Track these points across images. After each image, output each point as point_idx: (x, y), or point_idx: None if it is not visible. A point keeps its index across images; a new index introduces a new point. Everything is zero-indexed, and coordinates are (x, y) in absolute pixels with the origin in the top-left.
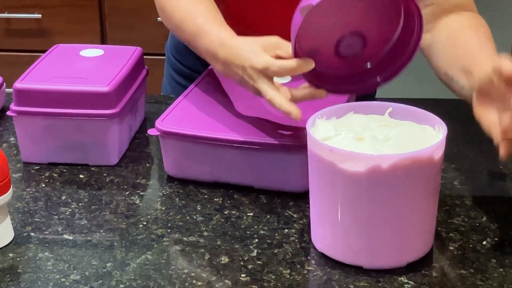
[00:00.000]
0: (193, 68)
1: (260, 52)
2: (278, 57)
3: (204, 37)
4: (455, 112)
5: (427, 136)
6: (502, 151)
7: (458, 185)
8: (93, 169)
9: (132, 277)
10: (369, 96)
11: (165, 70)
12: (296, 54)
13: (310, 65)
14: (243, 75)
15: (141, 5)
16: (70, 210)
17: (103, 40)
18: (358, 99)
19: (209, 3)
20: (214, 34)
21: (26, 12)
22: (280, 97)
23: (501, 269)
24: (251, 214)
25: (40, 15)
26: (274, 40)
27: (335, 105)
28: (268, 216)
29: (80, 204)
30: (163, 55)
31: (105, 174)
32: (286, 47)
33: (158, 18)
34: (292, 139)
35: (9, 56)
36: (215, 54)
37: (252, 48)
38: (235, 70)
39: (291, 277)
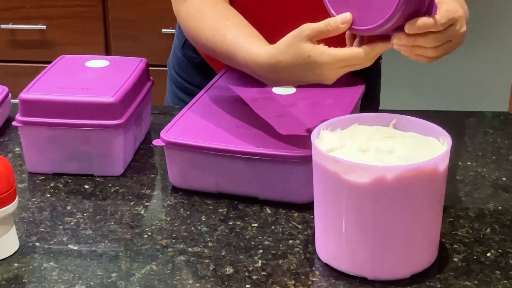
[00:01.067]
0: (196, 84)
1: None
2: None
3: (237, 57)
4: (459, 123)
5: (431, 148)
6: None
7: (462, 197)
8: (98, 179)
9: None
10: (373, 108)
11: (167, 86)
12: None
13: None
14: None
15: (145, 17)
16: (75, 220)
17: (107, 51)
18: (362, 110)
19: (235, 16)
20: (245, 53)
21: (31, 23)
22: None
23: (506, 281)
24: (256, 224)
25: (44, 26)
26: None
27: (340, 117)
28: (273, 227)
29: (85, 214)
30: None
31: (110, 185)
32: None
33: (162, 30)
34: (297, 150)
35: (14, 67)
36: (254, 72)
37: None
38: (295, 78)
39: None
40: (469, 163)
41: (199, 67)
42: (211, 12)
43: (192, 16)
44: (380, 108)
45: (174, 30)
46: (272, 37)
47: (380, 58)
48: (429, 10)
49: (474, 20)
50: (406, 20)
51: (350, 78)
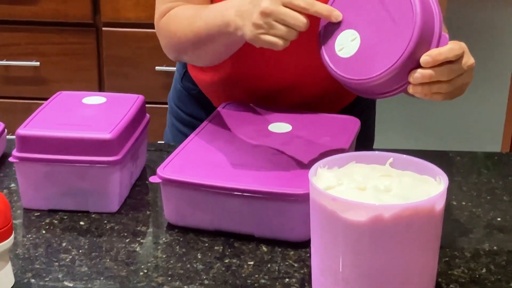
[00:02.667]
0: (194, 115)
1: None
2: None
3: (212, 18)
4: (453, 163)
5: (428, 187)
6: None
7: (457, 237)
8: (93, 216)
9: None
10: (367, 145)
11: (167, 119)
12: None
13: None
14: (256, 14)
15: (139, 54)
16: (71, 257)
17: (100, 88)
18: (357, 148)
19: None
20: (216, 9)
21: (25, 59)
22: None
23: None
24: (252, 263)
25: (38, 63)
26: None
27: (337, 155)
28: (269, 265)
29: (80, 251)
30: (161, 103)
31: (105, 221)
32: None
33: (156, 67)
34: (294, 188)
35: (7, 103)
36: (227, 19)
37: None
38: (248, 12)
39: None
40: (464, 203)
41: (197, 98)
42: (189, 8)
43: (171, 19)
44: (374, 146)
45: (168, 68)
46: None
47: None
48: (440, 43)
49: None
50: (417, 62)
51: (346, 116)
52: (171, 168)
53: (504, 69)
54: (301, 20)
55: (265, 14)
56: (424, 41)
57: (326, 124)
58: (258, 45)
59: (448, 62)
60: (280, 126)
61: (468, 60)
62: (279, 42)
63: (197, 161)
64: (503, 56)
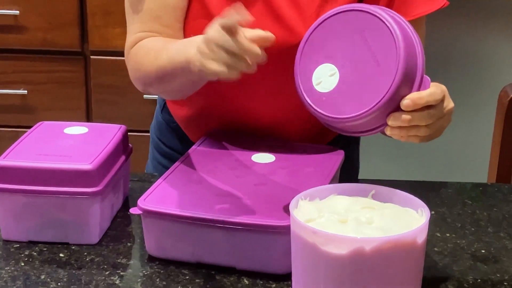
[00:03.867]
0: (175, 148)
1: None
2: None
3: (175, 54)
4: (437, 194)
5: (410, 219)
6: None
7: (441, 269)
8: (73, 247)
9: None
10: (352, 179)
11: (149, 151)
12: None
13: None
14: (199, 49)
15: (127, 82)
16: None
17: (88, 117)
18: (341, 178)
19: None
20: (181, 45)
21: (12, 88)
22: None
23: None
24: None
25: (25, 91)
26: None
27: (319, 187)
28: None
29: (59, 283)
30: (148, 131)
31: (85, 253)
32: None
33: (144, 96)
34: (275, 220)
35: None
36: (189, 56)
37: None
38: (192, 51)
39: None
40: (448, 235)
41: (177, 131)
42: (158, 40)
43: (139, 50)
44: (359, 176)
45: (156, 96)
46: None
47: None
48: (421, 86)
49: (452, 92)
50: (397, 104)
51: (330, 147)
52: (152, 200)
53: (490, 97)
54: (243, 46)
55: (207, 40)
56: (406, 84)
57: (310, 155)
58: (207, 76)
59: (428, 106)
60: (263, 157)
61: (448, 104)
62: (223, 69)
63: (179, 192)
64: (488, 84)
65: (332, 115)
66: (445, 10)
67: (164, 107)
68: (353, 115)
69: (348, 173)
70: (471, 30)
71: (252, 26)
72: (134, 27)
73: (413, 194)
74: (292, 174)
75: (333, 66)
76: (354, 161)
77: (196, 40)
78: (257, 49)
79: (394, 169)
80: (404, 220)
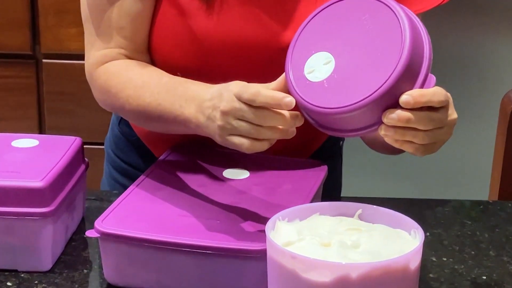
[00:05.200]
0: (135, 165)
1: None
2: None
3: (168, 103)
4: (433, 213)
5: (401, 242)
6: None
7: None
8: (22, 275)
9: None
10: (335, 196)
11: (104, 167)
12: None
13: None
14: (215, 115)
15: (83, 89)
16: None
17: (40, 127)
18: (324, 197)
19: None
20: (174, 93)
21: None
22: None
23: None
24: None
25: None
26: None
27: (298, 206)
28: None
29: None
30: None
31: (36, 282)
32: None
33: None
34: (249, 244)
35: None
36: (188, 115)
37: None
38: (212, 115)
39: None
40: (444, 259)
41: (137, 146)
42: (135, 71)
43: (111, 76)
44: (342, 194)
45: None
46: None
47: (341, 138)
48: (425, 84)
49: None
50: (395, 101)
51: (311, 161)
52: (110, 221)
53: (491, 104)
54: (258, 114)
55: (224, 114)
56: (408, 77)
57: (289, 170)
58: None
59: (430, 108)
60: (236, 173)
61: (452, 113)
62: (244, 143)
63: (141, 213)
64: (489, 90)
65: (319, 105)
66: (442, 11)
67: (122, 118)
68: (343, 105)
69: (331, 190)
70: (470, 31)
71: (230, 27)
72: (97, 41)
73: (405, 214)
74: (269, 191)
75: (328, 54)
76: (338, 176)
77: (193, 96)
78: (284, 114)
79: (383, 185)
80: (395, 243)
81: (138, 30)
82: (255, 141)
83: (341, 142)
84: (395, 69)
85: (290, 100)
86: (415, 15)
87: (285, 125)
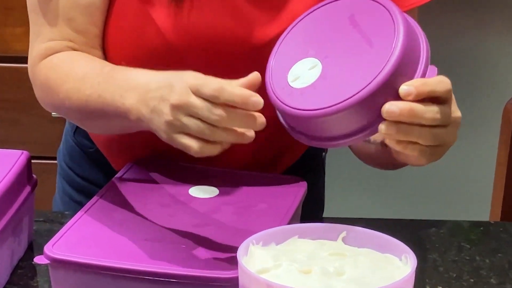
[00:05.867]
0: (91, 180)
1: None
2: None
3: (108, 93)
4: (426, 236)
5: (391, 269)
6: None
7: None
8: None
9: None
10: (317, 217)
11: (57, 183)
12: None
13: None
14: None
15: (30, 96)
16: None
17: None
18: (303, 218)
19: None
20: (114, 83)
21: None
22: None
23: None
24: None
25: None
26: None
27: (276, 228)
28: None
29: None
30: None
31: None
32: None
33: (53, 113)
34: (219, 271)
35: None
36: (128, 105)
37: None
38: (157, 107)
39: None
40: (439, 287)
41: (95, 158)
42: (78, 61)
43: (52, 69)
44: (324, 214)
45: None
46: None
47: (323, 149)
48: (426, 76)
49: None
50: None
51: (288, 177)
52: (62, 246)
53: (492, 113)
54: (217, 113)
55: (174, 108)
56: (405, 68)
57: (263, 187)
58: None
59: (435, 100)
60: (203, 190)
61: (455, 111)
62: (193, 145)
63: (96, 237)
64: (490, 97)
65: (307, 108)
66: (438, 9)
67: (78, 127)
68: (333, 103)
69: (311, 210)
70: (468, 30)
71: (203, 20)
72: (42, 31)
73: (395, 236)
74: (241, 211)
75: (314, 59)
76: (319, 193)
77: (136, 85)
78: (248, 115)
79: (371, 204)
80: (384, 270)
81: (90, 22)
82: (206, 143)
83: (324, 153)
84: (390, 57)
85: (257, 99)
86: (409, 17)
87: (247, 126)
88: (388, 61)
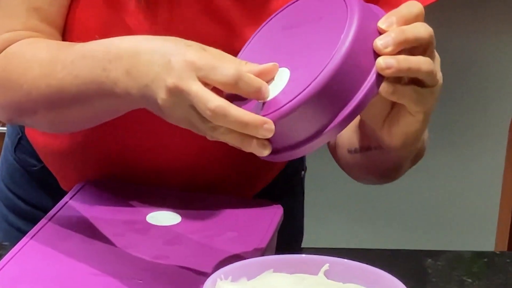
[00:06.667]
0: (35, 202)
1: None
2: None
3: (86, 69)
4: (422, 269)
5: None
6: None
7: None
8: None
9: None
10: (294, 247)
11: None
12: None
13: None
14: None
15: None
16: None
17: None
18: (279, 248)
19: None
20: (92, 56)
21: None
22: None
23: None
24: None
25: None
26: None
27: (247, 260)
28: None
29: None
30: None
31: None
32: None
33: None
34: None
35: None
36: (113, 77)
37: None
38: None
39: None
40: None
41: (40, 179)
42: (41, 45)
43: (12, 59)
44: (303, 244)
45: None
46: None
47: (302, 167)
48: None
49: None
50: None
51: (261, 200)
52: (1, 280)
53: (497, 130)
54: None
55: (171, 93)
56: (362, 44)
57: (233, 213)
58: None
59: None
60: (163, 217)
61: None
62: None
63: (39, 271)
64: (495, 113)
65: (271, 110)
66: (435, 15)
67: (20, 142)
68: (294, 96)
69: (288, 239)
70: (470, 38)
71: (183, 26)
72: (1, 22)
73: (385, 270)
74: (207, 241)
75: (283, 69)
76: (298, 219)
77: (121, 53)
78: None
79: (357, 232)
80: None
81: (57, 15)
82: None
83: (303, 172)
84: (346, 29)
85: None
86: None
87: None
88: (338, 45)
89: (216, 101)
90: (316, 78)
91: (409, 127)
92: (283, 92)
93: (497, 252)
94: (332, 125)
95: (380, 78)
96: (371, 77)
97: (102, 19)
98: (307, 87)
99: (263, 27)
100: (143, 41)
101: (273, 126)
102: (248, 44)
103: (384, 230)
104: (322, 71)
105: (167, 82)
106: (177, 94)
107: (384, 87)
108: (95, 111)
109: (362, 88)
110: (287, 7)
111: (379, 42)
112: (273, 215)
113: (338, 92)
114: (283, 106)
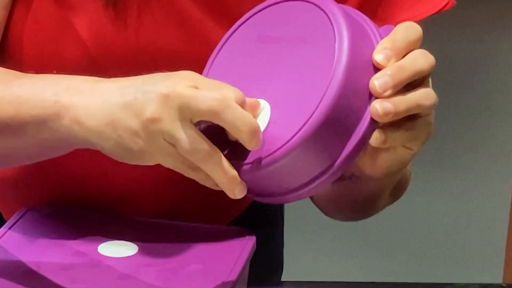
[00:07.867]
0: None
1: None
2: None
3: (33, 101)
4: None
5: None
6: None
7: None
8: None
9: None
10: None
11: None
12: None
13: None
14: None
15: None
16: None
17: None
18: (256, 284)
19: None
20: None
21: None
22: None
23: None
24: None
25: None
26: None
27: None
28: None
29: None
30: None
31: None
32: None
33: None
34: None
35: None
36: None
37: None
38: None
39: None
40: None
41: None
42: None
43: None
44: (283, 278)
45: None
46: None
47: None
48: None
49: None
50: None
51: (232, 228)
52: None
53: (504, 147)
54: (204, 148)
55: (150, 122)
56: (357, 72)
57: (197, 242)
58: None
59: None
60: (118, 246)
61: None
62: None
63: None
64: (502, 128)
65: (252, 159)
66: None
67: None
68: (280, 145)
69: (266, 271)
70: (470, 46)
71: (149, 32)
72: None
73: None
74: (167, 275)
75: (262, 101)
76: (277, 250)
77: (86, 82)
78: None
79: (345, 264)
80: None
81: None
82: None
83: None
84: (334, 69)
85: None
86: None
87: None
88: (333, 76)
89: None
90: (305, 124)
91: (397, 158)
92: (266, 135)
93: (504, 285)
94: (318, 181)
95: (373, 123)
96: (363, 124)
97: (50, 26)
98: (294, 135)
99: (235, 31)
100: (113, 81)
101: (245, 191)
102: (218, 52)
103: (378, 261)
104: (310, 117)
105: (147, 112)
106: (154, 121)
107: (376, 137)
108: (28, 141)
109: (352, 138)
110: (261, 10)
111: (376, 84)
112: (244, 244)
113: (330, 139)
114: (267, 156)
